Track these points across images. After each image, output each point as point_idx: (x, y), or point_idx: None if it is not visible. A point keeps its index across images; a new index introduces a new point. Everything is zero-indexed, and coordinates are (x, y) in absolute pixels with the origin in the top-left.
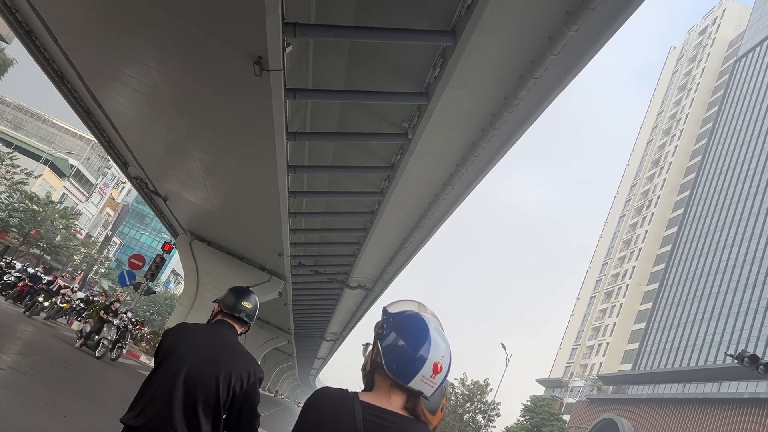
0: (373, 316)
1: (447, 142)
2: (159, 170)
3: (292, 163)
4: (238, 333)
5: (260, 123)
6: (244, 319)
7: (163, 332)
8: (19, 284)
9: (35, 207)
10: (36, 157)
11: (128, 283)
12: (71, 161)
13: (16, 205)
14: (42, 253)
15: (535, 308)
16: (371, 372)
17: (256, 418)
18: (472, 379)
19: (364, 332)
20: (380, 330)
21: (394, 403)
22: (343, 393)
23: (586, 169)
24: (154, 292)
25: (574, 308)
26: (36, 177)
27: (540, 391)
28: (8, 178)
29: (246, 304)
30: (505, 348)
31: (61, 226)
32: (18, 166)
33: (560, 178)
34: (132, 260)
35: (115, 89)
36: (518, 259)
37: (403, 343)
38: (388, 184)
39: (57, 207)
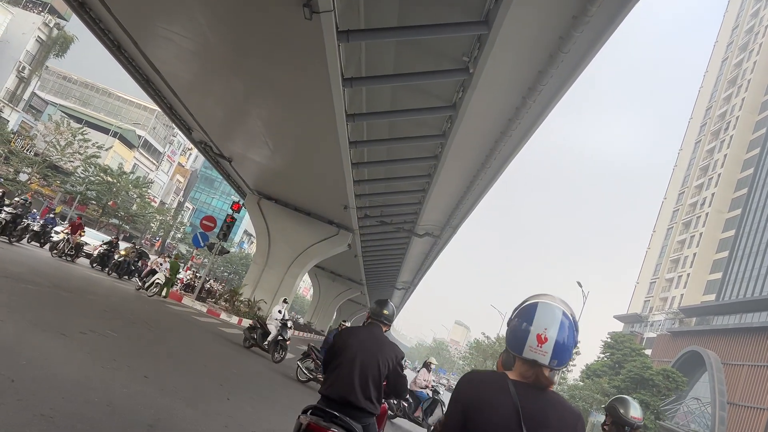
0: (443, 261)
1: (511, 72)
2: (221, 132)
3: (350, 111)
4: (384, 330)
5: (315, 72)
6: (385, 321)
7: (335, 334)
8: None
9: (109, 179)
10: (105, 131)
11: (202, 244)
12: (138, 132)
13: (92, 179)
14: (121, 223)
15: (609, 245)
16: (509, 353)
17: (404, 382)
18: None
19: (435, 279)
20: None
21: (524, 375)
22: (495, 373)
23: (658, 109)
24: (228, 252)
25: (651, 241)
26: (107, 149)
27: (618, 327)
28: (81, 152)
29: (385, 312)
30: (581, 286)
31: (135, 196)
32: (89, 140)
33: (631, 120)
34: (204, 222)
35: (168, 50)
36: (589, 200)
37: (514, 323)
38: (450, 126)
39: (130, 177)
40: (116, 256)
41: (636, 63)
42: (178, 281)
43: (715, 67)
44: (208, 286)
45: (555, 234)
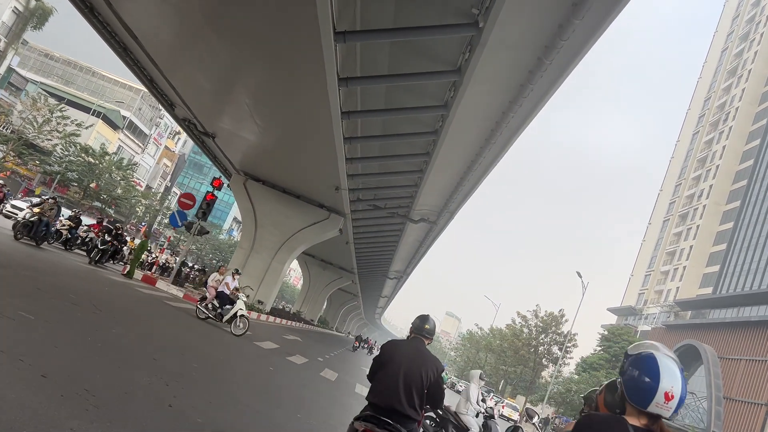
0: (438, 250)
1: (527, 27)
2: (205, 107)
3: (342, 75)
4: (426, 344)
5: (304, 25)
6: (427, 335)
7: (381, 345)
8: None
9: (91, 159)
10: (88, 110)
11: (179, 223)
12: (123, 113)
13: (73, 159)
14: (104, 206)
15: (603, 238)
16: (622, 399)
17: (442, 393)
18: (546, 310)
19: (426, 269)
20: (622, 367)
21: (647, 426)
22: (613, 417)
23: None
24: (208, 232)
25: (646, 233)
26: (87, 128)
27: (611, 320)
28: (60, 130)
29: (427, 327)
30: (581, 276)
31: (119, 178)
32: (69, 117)
33: (628, 116)
34: (182, 200)
35: (141, 4)
36: (582, 194)
37: (637, 377)
38: (453, 95)
39: (112, 159)
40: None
41: (634, 58)
42: (153, 263)
43: (714, 58)
44: (188, 270)
45: (547, 227)
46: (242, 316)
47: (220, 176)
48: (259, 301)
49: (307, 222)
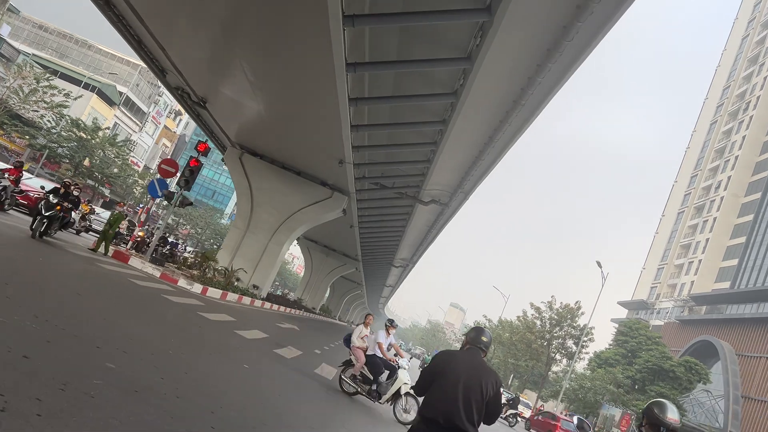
0: (446, 238)
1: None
2: (200, 74)
3: (348, 12)
4: (483, 356)
5: None
6: (484, 348)
7: (433, 356)
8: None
9: (83, 134)
10: (79, 83)
11: (159, 193)
12: (119, 88)
13: (63, 133)
14: (97, 185)
15: (613, 232)
16: None
17: (500, 408)
18: (561, 302)
19: (431, 258)
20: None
21: None
22: None
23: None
24: (191, 203)
25: (659, 226)
26: (76, 98)
27: (621, 314)
28: (48, 101)
29: (483, 338)
30: (600, 266)
31: (113, 155)
32: (56, 87)
33: (641, 109)
34: (162, 166)
35: None
36: (593, 189)
37: None
38: (479, 42)
39: (106, 134)
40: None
41: (651, 49)
42: (128, 238)
43: (734, 45)
44: (169, 248)
45: (556, 219)
46: (408, 394)
47: (206, 140)
48: (254, 286)
49: (308, 201)
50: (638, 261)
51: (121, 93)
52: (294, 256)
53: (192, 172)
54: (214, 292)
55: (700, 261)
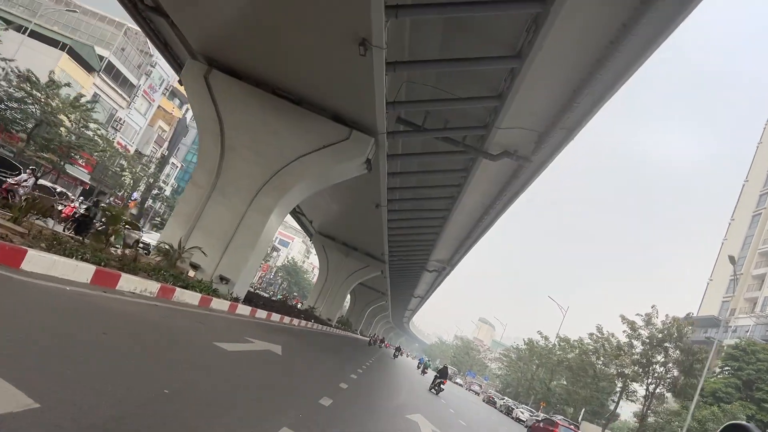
0: (496, 232)
1: None
2: None
3: None
4: None
5: None
6: None
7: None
8: None
9: (36, 93)
10: (55, 44)
11: None
12: (99, 50)
13: (13, 92)
14: (61, 161)
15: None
16: None
17: None
18: (667, 314)
19: (478, 260)
20: None
21: None
22: None
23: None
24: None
25: (728, 231)
26: (5, 29)
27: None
28: None
29: None
30: (734, 263)
31: (78, 123)
32: None
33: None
34: None
35: None
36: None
37: None
38: None
39: (69, 96)
40: None
41: (702, 66)
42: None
43: None
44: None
45: (592, 236)
46: None
47: None
48: (221, 278)
49: (312, 144)
50: (682, 275)
51: (102, 57)
52: (314, 266)
53: None
54: (131, 283)
55: None
